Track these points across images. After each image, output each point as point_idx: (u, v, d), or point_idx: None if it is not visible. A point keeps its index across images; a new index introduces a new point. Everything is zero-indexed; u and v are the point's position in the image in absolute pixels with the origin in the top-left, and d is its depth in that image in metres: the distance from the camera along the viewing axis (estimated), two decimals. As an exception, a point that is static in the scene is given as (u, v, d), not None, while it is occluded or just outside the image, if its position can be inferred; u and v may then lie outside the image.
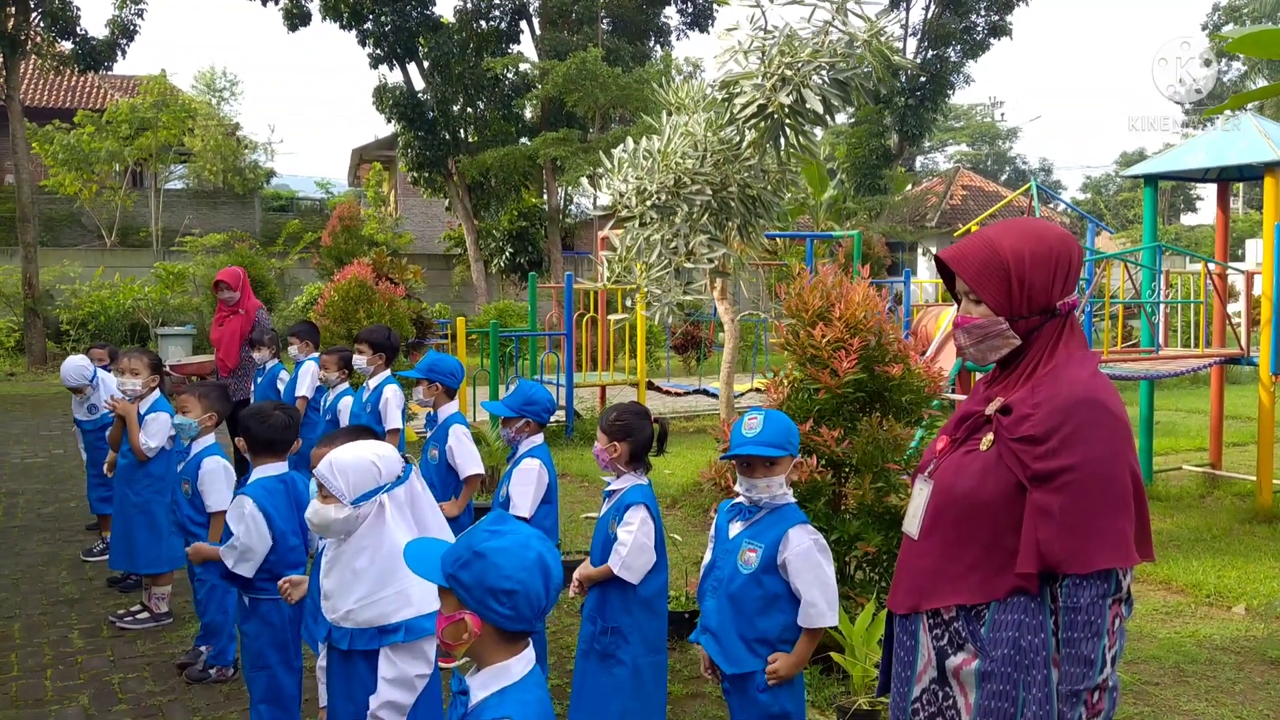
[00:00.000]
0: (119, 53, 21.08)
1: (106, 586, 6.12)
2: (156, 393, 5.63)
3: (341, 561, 2.79)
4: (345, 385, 6.63)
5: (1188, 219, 50.61)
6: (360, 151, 37.10)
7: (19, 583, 6.22)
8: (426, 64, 24.68)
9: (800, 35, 6.43)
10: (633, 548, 3.61)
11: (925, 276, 30.87)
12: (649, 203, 6.75)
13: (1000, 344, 2.31)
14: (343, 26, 24.23)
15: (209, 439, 4.70)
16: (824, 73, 6.19)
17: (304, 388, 7.02)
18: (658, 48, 25.49)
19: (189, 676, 4.66)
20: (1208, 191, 52.02)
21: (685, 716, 4.37)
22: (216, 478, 4.55)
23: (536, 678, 1.99)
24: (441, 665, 3.88)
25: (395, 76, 25.19)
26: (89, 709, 4.37)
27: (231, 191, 30.81)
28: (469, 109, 25.19)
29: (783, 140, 6.81)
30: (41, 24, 20.12)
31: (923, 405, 4.71)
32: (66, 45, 20.69)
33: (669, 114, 7.51)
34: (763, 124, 6.63)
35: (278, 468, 3.90)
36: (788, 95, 6.15)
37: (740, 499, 3.25)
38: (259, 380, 7.84)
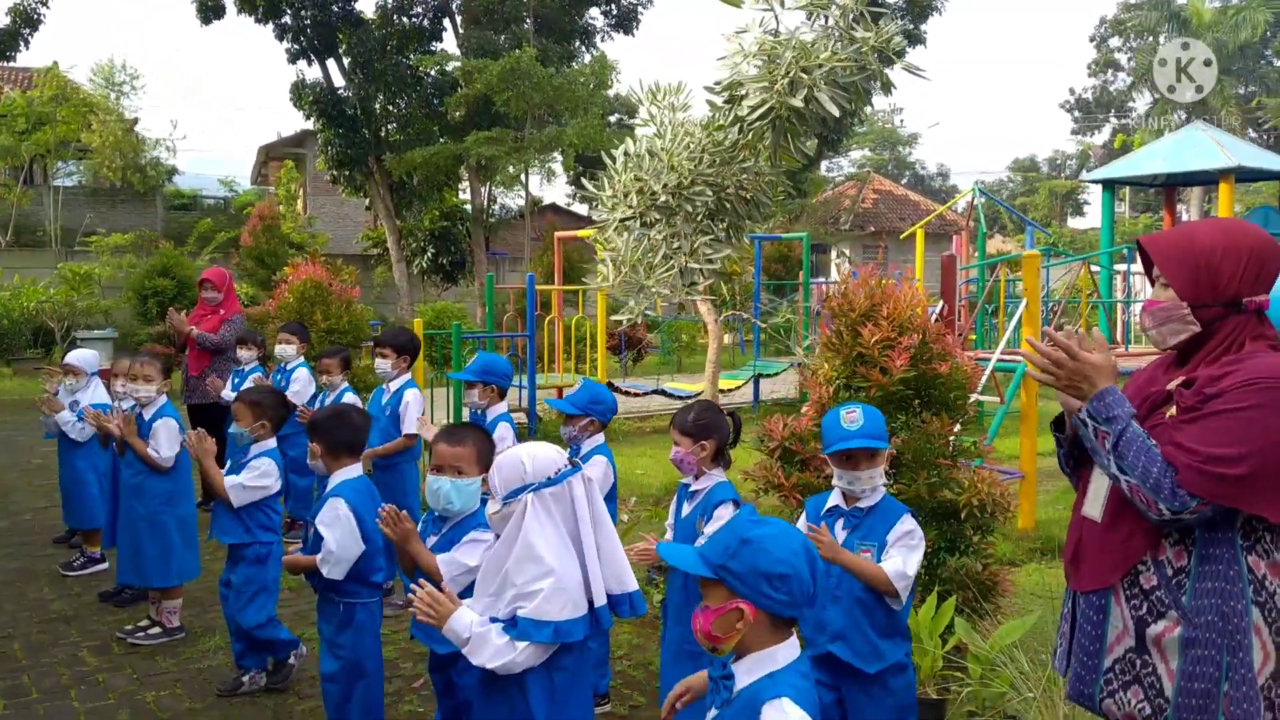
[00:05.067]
0: (22, 43, 20.06)
1: (100, 601, 5.82)
2: (163, 398, 5.39)
3: (494, 558, 2.73)
4: (345, 385, 6.46)
5: (1075, 222, 52.91)
6: (267, 149, 36.07)
7: (0, 601, 5.87)
8: (347, 60, 24.13)
9: (804, 39, 6.53)
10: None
11: (835, 278, 31.52)
12: (654, 203, 6.75)
13: (1180, 328, 2.40)
14: (258, 20, 23.52)
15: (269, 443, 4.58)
16: (834, 76, 6.28)
17: (300, 398, 6.76)
18: (583, 49, 25.43)
19: (273, 686, 4.53)
20: (1094, 195, 54.48)
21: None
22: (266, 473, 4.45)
23: (802, 665, 2.01)
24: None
25: (314, 72, 24.59)
26: (132, 729, 4.17)
27: (131, 189, 29.51)
28: (390, 107, 24.73)
29: (780, 142, 6.90)
30: (-65, 10, 19.00)
31: (965, 400, 4.83)
32: (-38, 34, 19.57)
33: (651, 116, 7.54)
34: (764, 126, 6.70)
35: (357, 469, 3.80)
36: (800, 98, 6.23)
37: (835, 503, 3.30)
38: (235, 381, 7.56)
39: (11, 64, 26.16)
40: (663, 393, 12.31)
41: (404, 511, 3.21)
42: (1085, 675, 2.48)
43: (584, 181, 7.57)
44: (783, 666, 2.00)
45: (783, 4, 6.43)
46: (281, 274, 19.01)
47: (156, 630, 5.22)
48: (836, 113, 6.21)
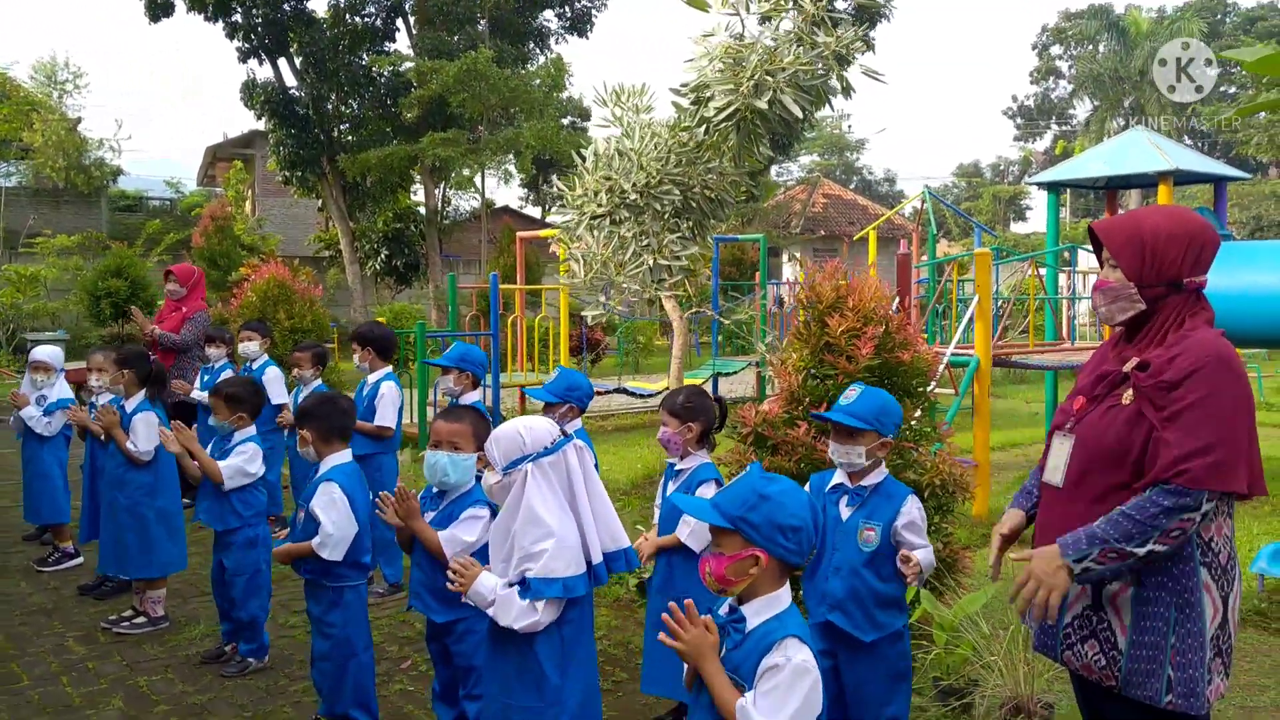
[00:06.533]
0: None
1: (78, 594, 5.86)
2: (142, 394, 5.45)
3: (500, 525, 2.91)
4: (319, 382, 6.55)
5: (1018, 227, 54.09)
6: (214, 149, 35.67)
7: (-24, 595, 5.89)
8: (299, 60, 24.01)
9: (766, 43, 6.78)
10: None
11: (788, 279, 31.98)
12: (623, 201, 6.95)
13: (1127, 306, 2.64)
14: (208, 18, 23.33)
15: (248, 430, 4.71)
16: (796, 79, 6.53)
17: (277, 395, 6.83)
18: (537, 51, 25.56)
19: (224, 674, 4.60)
20: (1037, 201, 55.76)
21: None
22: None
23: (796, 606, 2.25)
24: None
25: (265, 72, 24.45)
26: (128, 711, 4.25)
27: (75, 190, 29.02)
28: (343, 107, 24.65)
29: (744, 143, 7.15)
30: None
31: (925, 387, 5.09)
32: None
33: (615, 117, 7.75)
34: (729, 127, 6.93)
35: (347, 454, 3.95)
36: (764, 100, 6.46)
37: (839, 481, 3.49)
38: (205, 379, 7.62)
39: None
40: (625, 391, 12.50)
41: (412, 491, 3.36)
42: (1048, 629, 2.72)
43: (555, 180, 7.74)
44: (786, 608, 2.23)
45: (748, 9, 6.67)
46: (236, 275, 18.95)
47: (141, 620, 5.29)
48: (800, 114, 6.46)
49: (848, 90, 6.82)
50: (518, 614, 2.77)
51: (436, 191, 25.76)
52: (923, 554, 3.32)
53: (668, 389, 13.13)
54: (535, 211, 36.34)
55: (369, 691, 3.88)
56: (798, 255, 34.24)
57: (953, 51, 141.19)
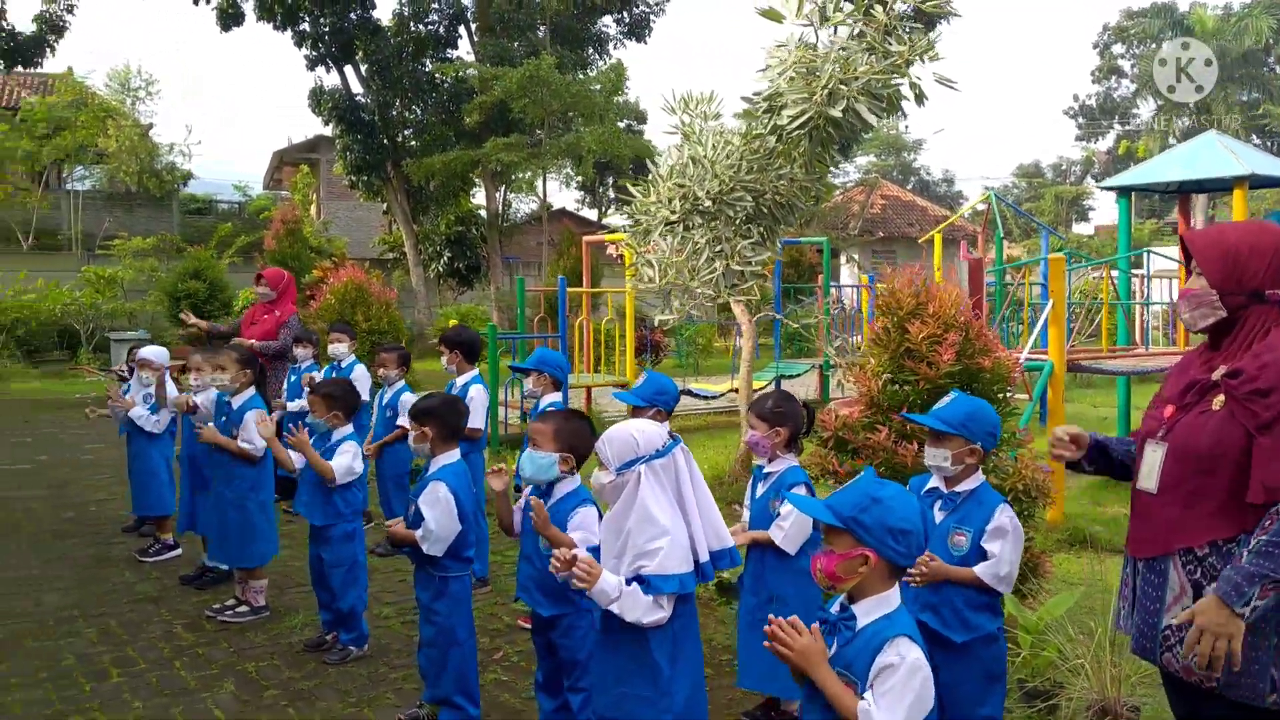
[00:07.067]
0: (48, 49, 20.44)
1: (180, 584, 6.15)
2: (251, 390, 5.71)
3: (612, 523, 3.05)
4: (402, 383, 6.79)
5: (1080, 228, 53.25)
6: (281, 154, 36.52)
7: (86, 584, 6.20)
8: (364, 67, 24.52)
9: (838, 52, 6.87)
10: (795, 521, 3.93)
11: (847, 281, 31.83)
12: (696, 208, 7.09)
13: (1209, 312, 2.74)
14: (276, 27, 23.91)
15: (346, 429, 4.94)
16: (870, 87, 6.62)
17: (363, 392, 7.07)
18: (596, 56, 25.80)
19: (327, 661, 4.82)
20: (1100, 202, 54.86)
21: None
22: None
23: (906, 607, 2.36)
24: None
25: (332, 79, 24.99)
26: (240, 695, 4.49)
27: (147, 194, 29.85)
28: (406, 113, 25.12)
29: (816, 150, 7.25)
30: (-37, 18, 19.36)
31: (1006, 393, 5.15)
32: (-12, 41, 19.91)
33: (683, 124, 7.90)
34: (800, 134, 7.04)
35: (456, 454, 4.14)
36: (838, 108, 6.56)
37: (934, 485, 3.58)
38: (291, 379, 7.90)
39: (33, 70, 26.49)
40: (689, 393, 12.63)
41: (540, 501, 3.51)
42: (1147, 632, 2.79)
43: (620, 184, 7.92)
44: (896, 608, 2.34)
45: (822, 20, 6.77)
46: (309, 278, 19.40)
47: (244, 609, 5.55)
48: (875, 122, 6.55)
49: (920, 97, 6.88)
50: (645, 609, 2.91)
51: (497, 195, 26.12)
52: (985, 566, 3.34)
53: (733, 391, 13.26)
54: (592, 214, 36.64)
55: (470, 679, 4.06)
56: (856, 257, 34.10)
57: (1012, 50, 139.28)
